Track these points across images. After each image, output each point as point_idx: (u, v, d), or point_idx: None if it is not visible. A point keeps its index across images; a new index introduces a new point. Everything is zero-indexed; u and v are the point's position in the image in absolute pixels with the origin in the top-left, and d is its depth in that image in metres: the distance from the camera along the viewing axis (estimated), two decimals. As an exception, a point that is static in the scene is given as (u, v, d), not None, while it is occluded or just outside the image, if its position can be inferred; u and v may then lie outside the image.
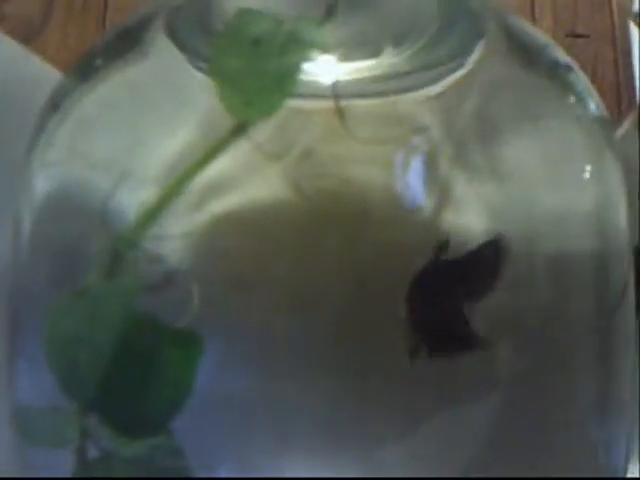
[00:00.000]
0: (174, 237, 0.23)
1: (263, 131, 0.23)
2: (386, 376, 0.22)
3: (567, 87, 0.25)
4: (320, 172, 0.23)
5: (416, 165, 0.22)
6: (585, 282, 0.24)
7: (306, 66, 0.23)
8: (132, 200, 0.23)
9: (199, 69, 0.24)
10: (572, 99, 0.25)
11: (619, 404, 0.24)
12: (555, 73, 0.25)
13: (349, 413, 0.22)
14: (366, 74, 0.23)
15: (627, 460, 0.25)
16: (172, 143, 0.23)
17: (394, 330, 0.22)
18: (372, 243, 0.22)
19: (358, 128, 0.23)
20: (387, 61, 0.23)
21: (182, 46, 0.25)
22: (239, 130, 0.23)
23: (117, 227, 0.23)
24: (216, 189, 0.23)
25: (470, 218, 0.22)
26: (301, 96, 0.23)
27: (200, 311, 0.22)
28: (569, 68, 0.25)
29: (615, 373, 0.24)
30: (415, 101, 0.23)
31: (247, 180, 0.23)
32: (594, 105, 0.25)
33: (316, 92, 0.23)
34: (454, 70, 0.23)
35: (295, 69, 0.23)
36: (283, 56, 0.23)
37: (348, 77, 0.23)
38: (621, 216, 0.24)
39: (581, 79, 0.25)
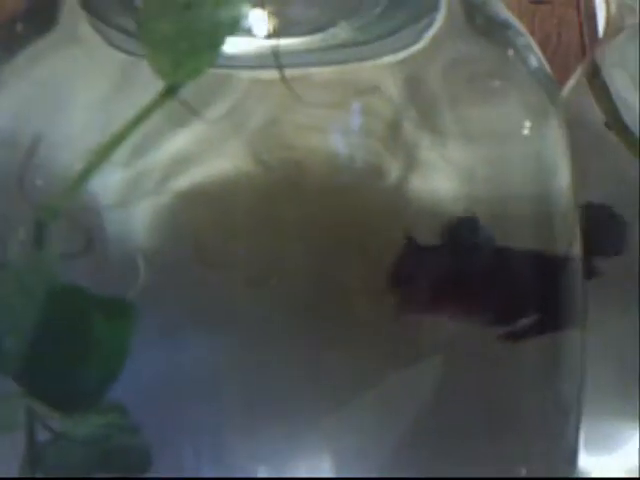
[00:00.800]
0: (108, 208, 0.22)
1: (224, 103, 0.22)
2: (348, 346, 0.22)
3: (506, 44, 0.25)
4: (283, 142, 0.22)
5: (379, 131, 0.22)
6: (528, 242, 0.24)
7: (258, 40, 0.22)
8: (53, 167, 0.22)
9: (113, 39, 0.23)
10: (512, 56, 0.25)
11: (568, 367, 0.25)
12: (494, 30, 0.25)
13: (310, 383, 0.22)
14: (322, 44, 0.23)
15: (578, 422, 0.26)
16: (91, 109, 0.23)
17: (360, 300, 0.22)
18: (338, 213, 0.22)
19: (317, 96, 0.22)
20: (342, 32, 0.23)
21: (95, 14, 0.24)
22: (169, 93, 0.22)
23: (40, 196, 0.22)
24: (179, 165, 0.22)
25: (438, 182, 0.23)
26: (258, 67, 0.22)
27: (163, 286, 0.22)
28: (507, 24, 0.25)
29: (563, 336, 0.25)
30: (376, 68, 0.23)
31: (209, 155, 0.22)
32: (535, 61, 0.25)
33: (271, 62, 0.22)
34: (413, 38, 0.23)
35: (226, 26, 0.22)
36: (214, 16, 0.23)
37: (302, 47, 0.23)
38: (564, 174, 0.25)
39: (521, 35, 0.25)
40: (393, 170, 0.22)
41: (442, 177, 0.23)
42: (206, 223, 0.22)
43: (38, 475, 0.22)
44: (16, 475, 0.22)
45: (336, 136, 0.22)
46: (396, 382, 0.22)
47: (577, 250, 0.25)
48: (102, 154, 0.22)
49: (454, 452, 0.23)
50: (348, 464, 0.22)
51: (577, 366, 0.26)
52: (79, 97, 0.23)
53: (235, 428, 0.22)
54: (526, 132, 0.25)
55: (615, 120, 0.28)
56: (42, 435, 0.22)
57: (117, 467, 0.22)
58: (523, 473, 0.24)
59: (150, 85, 0.21)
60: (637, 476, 0.31)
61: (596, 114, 0.29)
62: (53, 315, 0.22)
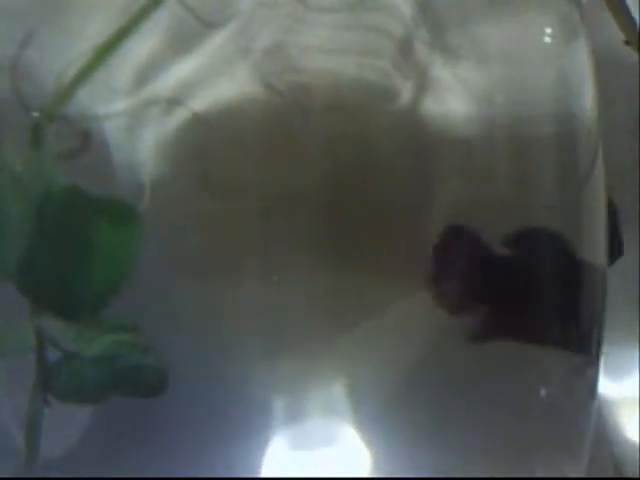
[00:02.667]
0: (101, 118, 0.21)
1: (226, 28, 0.21)
2: (362, 273, 0.22)
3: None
4: (289, 65, 0.22)
5: (389, 50, 0.22)
6: (549, 164, 0.24)
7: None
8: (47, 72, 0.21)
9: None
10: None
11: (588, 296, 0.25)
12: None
13: (324, 310, 0.22)
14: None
15: (599, 354, 0.26)
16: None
17: (374, 228, 0.22)
18: (349, 137, 0.22)
19: (325, 17, 0.22)
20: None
21: None
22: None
23: (35, 99, 0.21)
24: (184, 92, 0.21)
25: (451, 103, 0.22)
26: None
27: (171, 216, 0.21)
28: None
29: (584, 267, 0.25)
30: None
31: (215, 80, 0.21)
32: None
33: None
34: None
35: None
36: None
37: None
38: (589, 95, 0.24)
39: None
40: (404, 91, 0.22)
41: (456, 98, 0.22)
42: (213, 151, 0.21)
43: (49, 396, 0.22)
44: (28, 398, 0.22)
45: (344, 57, 0.22)
46: (411, 307, 0.22)
47: (600, 171, 0.25)
48: (96, 59, 0.21)
49: (469, 380, 0.23)
50: (363, 390, 0.22)
51: (598, 295, 0.25)
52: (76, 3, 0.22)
53: (250, 356, 0.22)
54: (551, 47, 0.24)
55: (635, 37, 0.27)
56: (53, 356, 0.22)
57: (131, 387, 0.22)
58: (543, 394, 0.23)
59: None
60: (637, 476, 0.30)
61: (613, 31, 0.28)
62: (52, 218, 0.21)
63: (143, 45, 0.21)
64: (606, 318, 0.26)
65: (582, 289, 0.24)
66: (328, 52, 0.22)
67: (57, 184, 0.21)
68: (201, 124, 0.21)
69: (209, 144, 0.22)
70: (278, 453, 0.22)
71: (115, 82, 0.21)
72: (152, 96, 0.21)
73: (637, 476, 0.29)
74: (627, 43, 0.27)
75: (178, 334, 0.21)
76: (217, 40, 0.21)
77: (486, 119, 0.22)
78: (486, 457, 0.23)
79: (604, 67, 0.26)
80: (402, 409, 0.22)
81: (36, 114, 0.21)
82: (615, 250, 0.28)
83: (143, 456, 0.22)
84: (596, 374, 0.26)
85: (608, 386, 0.34)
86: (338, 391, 0.22)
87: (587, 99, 0.24)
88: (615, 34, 0.28)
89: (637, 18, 0.27)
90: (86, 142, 0.21)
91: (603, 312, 0.25)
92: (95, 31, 0.21)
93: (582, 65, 0.24)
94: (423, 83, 0.22)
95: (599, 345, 0.25)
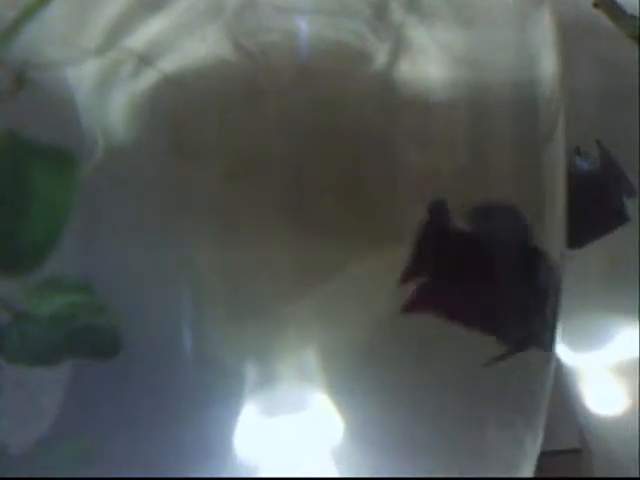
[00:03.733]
0: (84, 100, 0.21)
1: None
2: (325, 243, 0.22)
3: None
4: (262, 25, 0.21)
5: (364, 11, 0.21)
6: (508, 129, 0.24)
7: None
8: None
9: None
10: None
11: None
12: None
13: (290, 273, 0.22)
14: None
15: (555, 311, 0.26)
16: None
17: (341, 194, 0.21)
18: (322, 100, 0.21)
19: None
20: None
21: None
22: None
23: None
24: (154, 52, 0.21)
25: (429, 67, 0.22)
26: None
27: (139, 178, 0.21)
28: None
29: (544, 225, 0.25)
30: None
31: (186, 41, 0.21)
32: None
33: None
34: None
35: None
36: None
37: None
38: (550, 62, 0.24)
39: None
40: (379, 55, 0.21)
41: (432, 62, 0.22)
42: (183, 112, 0.21)
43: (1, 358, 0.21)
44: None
45: (317, 18, 0.21)
46: (373, 270, 0.22)
47: (559, 138, 0.25)
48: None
49: (430, 334, 0.23)
50: (333, 355, 0.22)
51: (549, 284, 0.25)
52: None
53: (216, 321, 0.22)
54: (514, 15, 0.24)
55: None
56: (4, 318, 0.21)
57: (85, 348, 0.21)
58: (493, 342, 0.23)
59: None
60: (624, 371, 0.30)
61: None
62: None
63: (113, 3, 0.21)
64: (572, 289, 0.26)
65: (532, 278, 0.24)
66: (301, 13, 0.21)
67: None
68: (171, 85, 0.21)
69: (179, 106, 0.21)
70: (249, 419, 0.22)
71: (84, 41, 0.21)
72: (121, 56, 0.21)
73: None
74: (596, 5, 0.27)
75: (135, 296, 0.21)
76: None
77: (461, 82, 0.22)
78: (442, 417, 0.23)
79: (572, 32, 0.26)
80: (372, 373, 0.22)
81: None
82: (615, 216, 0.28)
83: (105, 422, 0.21)
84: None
85: (573, 357, 0.34)
86: (308, 356, 0.22)
87: (549, 65, 0.24)
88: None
89: (637, 18, 0.27)
90: (20, 84, 0.20)
91: (554, 300, 0.25)
92: None
93: (545, 30, 0.24)
94: (399, 46, 0.21)
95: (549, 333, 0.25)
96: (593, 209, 0.27)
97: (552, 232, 0.25)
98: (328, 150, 0.21)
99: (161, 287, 0.21)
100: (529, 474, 0.25)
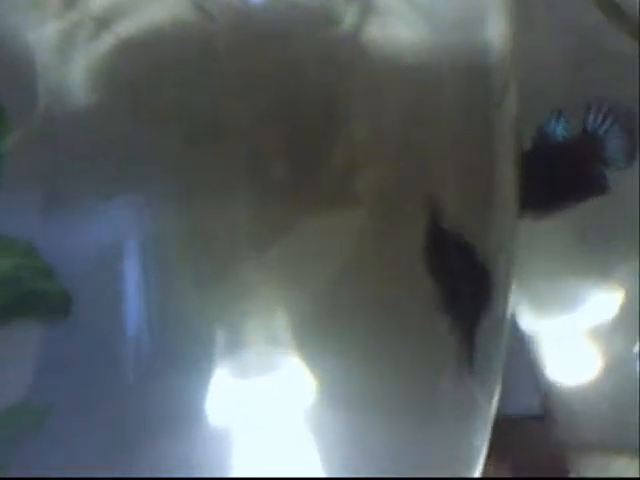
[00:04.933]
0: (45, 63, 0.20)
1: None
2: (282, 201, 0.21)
3: None
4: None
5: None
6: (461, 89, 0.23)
7: None
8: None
9: None
10: None
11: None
12: None
13: (243, 236, 0.21)
14: None
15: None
16: None
17: (301, 155, 0.21)
18: (288, 63, 0.21)
19: None
20: None
21: None
22: None
23: None
24: (116, 15, 0.20)
25: (399, 28, 0.21)
26: None
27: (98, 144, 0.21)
28: None
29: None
30: None
31: (144, 4, 0.20)
32: None
33: None
34: None
35: None
36: None
37: None
38: (497, 24, 0.24)
39: None
40: (348, 16, 0.21)
41: (400, 23, 0.21)
42: (143, 75, 0.21)
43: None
44: None
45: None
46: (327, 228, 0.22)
47: (512, 98, 0.24)
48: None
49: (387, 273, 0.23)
50: (302, 317, 0.22)
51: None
52: None
53: (181, 289, 0.21)
54: None
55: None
56: None
57: (36, 310, 0.21)
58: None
59: None
60: (594, 336, 0.30)
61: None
62: None
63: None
64: (540, 254, 0.26)
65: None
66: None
67: None
68: (130, 48, 0.20)
69: (137, 69, 0.21)
70: (220, 384, 0.21)
71: (44, 4, 0.20)
72: (80, 19, 0.20)
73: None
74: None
75: (85, 261, 0.21)
76: None
77: (426, 44, 0.22)
78: (400, 370, 0.23)
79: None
80: (337, 329, 0.22)
81: None
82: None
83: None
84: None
85: (540, 323, 0.34)
86: (276, 317, 0.22)
87: (498, 29, 0.24)
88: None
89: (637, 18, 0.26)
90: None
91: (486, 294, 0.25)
92: None
93: None
94: (367, 6, 0.21)
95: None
96: (571, 176, 0.27)
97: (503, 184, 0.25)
98: (285, 114, 0.21)
99: (116, 254, 0.21)
100: (485, 434, 0.26)
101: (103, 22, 0.20)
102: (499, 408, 0.26)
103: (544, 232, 0.27)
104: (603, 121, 0.27)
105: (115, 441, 0.21)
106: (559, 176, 0.26)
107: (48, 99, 0.20)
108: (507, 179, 0.25)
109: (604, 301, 0.32)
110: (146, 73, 0.20)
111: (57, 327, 0.21)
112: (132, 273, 0.21)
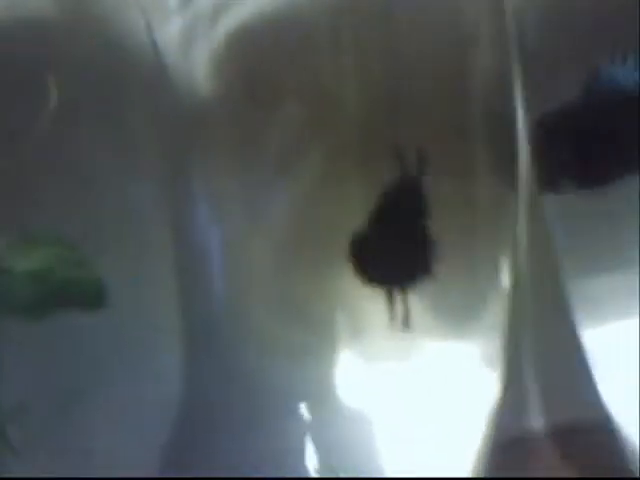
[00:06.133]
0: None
1: None
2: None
3: None
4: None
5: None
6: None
7: None
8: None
9: None
10: None
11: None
12: None
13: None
14: None
15: None
16: None
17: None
18: (396, 50, 0.21)
19: None
20: None
21: None
22: None
23: None
24: (227, 6, 0.21)
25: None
26: None
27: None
28: None
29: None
30: None
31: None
32: None
33: None
34: None
35: None
36: None
37: None
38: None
39: None
40: None
41: None
42: (257, 60, 0.21)
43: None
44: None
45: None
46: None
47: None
48: None
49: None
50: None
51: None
52: None
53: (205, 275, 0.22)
54: None
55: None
56: None
57: (71, 301, 0.21)
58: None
59: None
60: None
61: None
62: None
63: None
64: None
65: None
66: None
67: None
68: (246, 34, 0.21)
69: (255, 54, 0.21)
70: (347, 367, 0.22)
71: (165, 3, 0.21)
72: (199, 10, 0.21)
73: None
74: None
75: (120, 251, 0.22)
76: None
77: None
78: None
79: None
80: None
81: None
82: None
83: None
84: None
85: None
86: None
87: None
88: None
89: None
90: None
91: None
92: None
93: None
94: None
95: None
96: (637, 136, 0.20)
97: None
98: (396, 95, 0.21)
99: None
100: None
101: (219, 9, 0.21)
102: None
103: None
104: None
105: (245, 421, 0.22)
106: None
107: (177, 92, 0.21)
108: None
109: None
110: (259, 57, 0.21)
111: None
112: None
